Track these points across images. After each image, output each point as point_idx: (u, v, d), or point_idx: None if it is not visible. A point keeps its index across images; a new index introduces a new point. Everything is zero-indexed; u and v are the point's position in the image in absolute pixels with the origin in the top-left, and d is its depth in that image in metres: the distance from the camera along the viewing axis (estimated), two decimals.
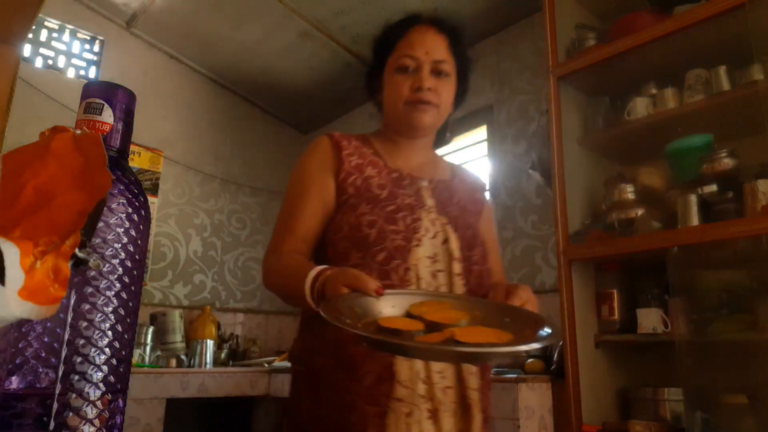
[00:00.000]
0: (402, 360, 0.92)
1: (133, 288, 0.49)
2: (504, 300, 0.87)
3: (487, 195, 1.20)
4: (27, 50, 3.02)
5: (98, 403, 0.44)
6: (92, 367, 0.45)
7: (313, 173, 1.08)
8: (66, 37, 3.21)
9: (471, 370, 0.96)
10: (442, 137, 1.21)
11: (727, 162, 1.73)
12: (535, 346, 0.67)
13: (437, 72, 1.07)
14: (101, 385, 0.45)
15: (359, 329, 0.68)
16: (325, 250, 1.03)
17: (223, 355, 3.19)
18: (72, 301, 0.44)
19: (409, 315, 0.78)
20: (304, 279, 0.85)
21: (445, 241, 1.01)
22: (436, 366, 0.94)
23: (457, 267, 0.99)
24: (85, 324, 0.45)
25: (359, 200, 1.02)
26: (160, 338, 3.09)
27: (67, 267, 0.40)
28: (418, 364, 0.92)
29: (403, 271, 0.95)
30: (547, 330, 0.71)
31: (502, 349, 0.67)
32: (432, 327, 0.74)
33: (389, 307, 0.78)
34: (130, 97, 0.55)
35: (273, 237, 1.06)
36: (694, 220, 1.70)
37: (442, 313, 0.77)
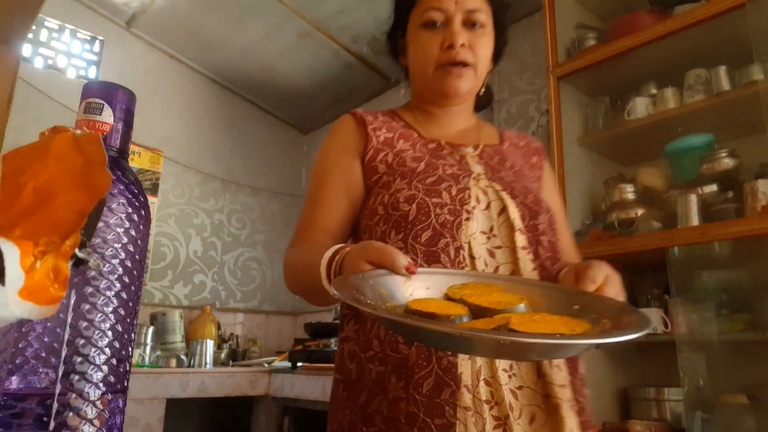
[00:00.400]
0: (464, 358, 0.75)
1: (133, 288, 0.49)
2: (574, 284, 0.70)
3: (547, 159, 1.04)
4: (27, 50, 3.02)
5: (98, 403, 0.44)
6: (92, 367, 0.45)
7: (335, 157, 0.95)
8: (66, 37, 3.21)
9: (555, 362, 0.78)
10: (484, 99, 1.03)
11: (727, 162, 1.73)
12: (628, 336, 0.50)
13: (471, 23, 0.90)
14: (101, 385, 0.45)
15: (382, 311, 0.53)
16: (362, 239, 0.88)
17: (223, 355, 3.19)
18: (72, 301, 0.44)
19: (447, 298, 0.64)
20: (320, 262, 0.72)
21: (502, 210, 0.83)
22: (503, 361, 0.75)
23: (520, 239, 0.82)
24: (85, 324, 0.45)
25: (392, 177, 0.87)
26: (160, 338, 3.09)
27: (67, 267, 0.40)
28: (479, 360, 0.76)
29: (453, 251, 0.79)
30: (636, 318, 0.55)
31: (582, 341, 0.52)
32: (478, 313, 0.59)
33: (423, 289, 0.64)
34: (130, 97, 0.55)
35: (294, 232, 0.94)
36: (694, 220, 1.70)
37: (490, 297, 0.62)
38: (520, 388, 0.76)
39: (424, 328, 0.50)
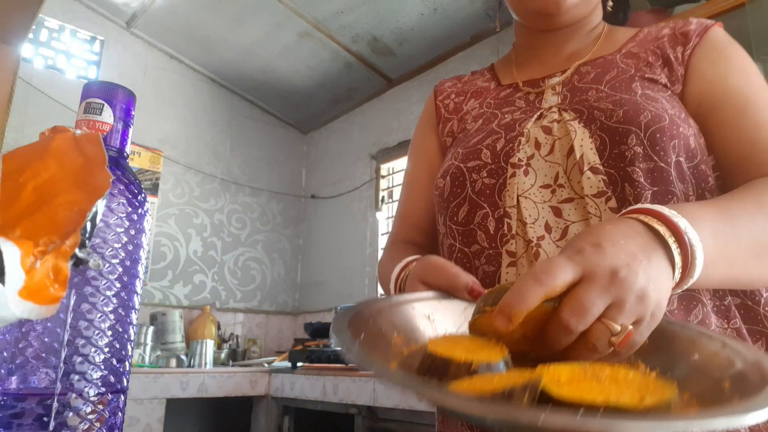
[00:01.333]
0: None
1: (133, 288, 0.49)
2: None
3: (715, 33, 0.71)
4: (27, 50, 3.02)
5: (98, 403, 0.44)
6: (92, 366, 0.45)
7: (418, 141, 0.84)
8: (66, 37, 3.21)
9: None
10: (614, 13, 0.82)
11: None
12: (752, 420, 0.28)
13: None
14: (101, 385, 0.45)
15: (384, 370, 0.34)
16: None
17: (223, 355, 3.19)
18: (72, 301, 0.44)
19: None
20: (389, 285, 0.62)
21: (572, 149, 0.62)
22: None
23: (590, 183, 0.59)
24: (85, 324, 0.45)
25: (451, 149, 0.75)
26: (160, 338, 3.09)
27: (67, 267, 0.40)
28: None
29: (494, 223, 0.63)
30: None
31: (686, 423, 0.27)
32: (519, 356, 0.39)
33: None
34: (130, 97, 0.55)
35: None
36: None
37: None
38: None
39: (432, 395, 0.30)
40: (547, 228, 0.60)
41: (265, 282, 3.83)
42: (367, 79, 3.50)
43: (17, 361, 0.43)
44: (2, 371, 0.42)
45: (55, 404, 0.42)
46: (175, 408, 2.67)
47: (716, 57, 0.67)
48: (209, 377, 2.76)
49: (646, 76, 0.67)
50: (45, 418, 0.42)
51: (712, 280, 0.47)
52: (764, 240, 0.51)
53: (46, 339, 0.44)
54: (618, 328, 0.37)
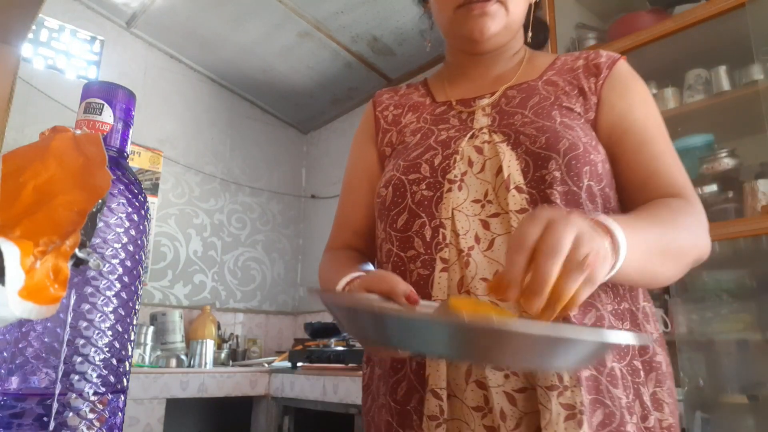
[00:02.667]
0: (433, 359, 0.65)
1: (133, 288, 0.49)
2: None
3: (621, 66, 0.79)
4: (27, 50, 3.02)
5: (98, 403, 0.44)
6: (92, 366, 0.45)
7: (357, 150, 0.88)
8: (66, 37, 3.21)
9: None
10: (535, 38, 0.87)
11: (727, 162, 1.73)
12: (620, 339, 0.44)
13: None
14: (101, 385, 0.45)
15: (334, 295, 0.49)
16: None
17: (223, 355, 3.19)
18: (72, 301, 0.44)
19: None
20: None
21: (500, 169, 0.68)
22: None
23: (515, 200, 0.66)
24: (85, 324, 0.45)
25: (391, 159, 0.80)
26: (160, 338, 3.09)
27: (67, 267, 0.40)
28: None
29: (430, 232, 0.69)
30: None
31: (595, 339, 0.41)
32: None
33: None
34: (130, 97, 0.55)
35: (330, 232, 0.90)
36: None
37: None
38: (521, 391, 0.62)
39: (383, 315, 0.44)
40: (477, 239, 0.67)
41: (265, 282, 3.83)
42: (367, 79, 3.50)
43: (17, 361, 0.43)
44: (2, 371, 0.42)
45: (55, 404, 0.42)
46: (175, 408, 2.67)
47: (623, 90, 0.77)
48: (209, 377, 2.76)
49: (564, 104, 0.75)
50: (45, 418, 0.42)
51: (628, 269, 0.55)
52: (670, 247, 0.63)
53: (46, 339, 0.44)
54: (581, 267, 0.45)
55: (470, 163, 0.71)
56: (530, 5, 0.83)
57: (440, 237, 0.68)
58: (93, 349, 0.45)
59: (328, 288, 0.72)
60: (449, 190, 0.70)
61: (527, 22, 0.85)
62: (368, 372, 0.79)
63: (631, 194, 0.73)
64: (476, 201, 0.69)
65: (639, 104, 0.76)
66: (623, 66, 0.79)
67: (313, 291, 0.51)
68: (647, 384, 0.66)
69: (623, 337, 0.44)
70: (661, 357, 0.70)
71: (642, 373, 0.66)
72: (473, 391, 0.63)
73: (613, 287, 0.68)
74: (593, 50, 0.82)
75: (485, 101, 0.78)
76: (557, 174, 0.66)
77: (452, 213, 0.69)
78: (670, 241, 0.63)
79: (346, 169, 0.91)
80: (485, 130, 0.73)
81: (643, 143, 0.73)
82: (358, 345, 2.60)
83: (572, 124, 0.71)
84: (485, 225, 0.68)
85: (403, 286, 0.56)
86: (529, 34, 0.86)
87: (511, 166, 0.68)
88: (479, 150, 0.71)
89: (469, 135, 0.73)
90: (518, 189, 0.67)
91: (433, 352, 0.56)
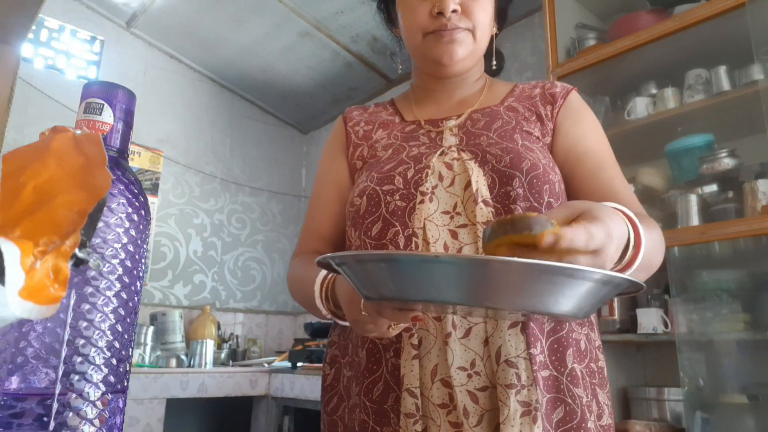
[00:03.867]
0: (407, 358, 0.69)
1: (133, 288, 0.49)
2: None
3: (574, 97, 0.87)
4: (27, 50, 3.02)
5: (98, 403, 0.44)
6: (92, 367, 0.45)
7: (327, 162, 0.93)
8: (66, 37, 3.21)
9: (518, 351, 0.66)
10: (491, 66, 0.93)
11: (727, 162, 1.73)
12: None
13: None
14: (101, 385, 0.45)
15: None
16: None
17: (223, 355, 3.19)
18: (72, 301, 0.44)
19: None
20: (313, 286, 0.73)
21: (468, 183, 0.74)
22: (459, 358, 0.68)
23: (482, 213, 0.72)
24: (85, 324, 0.45)
25: (363, 172, 0.84)
26: (160, 338, 3.09)
27: (67, 267, 0.40)
28: (431, 359, 0.69)
29: (404, 240, 0.73)
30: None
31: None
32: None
33: None
34: (130, 97, 0.55)
35: (297, 241, 0.94)
36: (694, 220, 1.70)
37: None
38: (483, 389, 0.67)
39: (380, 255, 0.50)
40: (445, 248, 0.73)
41: (265, 282, 3.83)
42: (367, 79, 3.50)
43: (17, 361, 0.43)
44: (2, 371, 0.42)
45: (55, 404, 0.42)
46: (175, 408, 2.67)
47: (577, 118, 0.84)
48: (209, 377, 2.76)
49: (524, 128, 0.82)
50: (45, 418, 0.42)
51: (644, 259, 0.60)
52: (653, 261, 0.68)
53: (46, 339, 0.44)
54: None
55: (440, 178, 0.76)
56: (492, 36, 0.89)
57: (413, 245, 0.73)
58: (93, 349, 0.45)
59: (303, 288, 0.77)
60: (421, 201, 0.75)
61: (488, 51, 0.91)
62: (332, 373, 0.84)
63: None
64: (446, 212, 0.74)
65: (591, 132, 0.84)
66: (576, 96, 0.87)
67: (322, 258, 0.51)
68: (601, 386, 0.75)
69: (623, 277, 0.45)
70: (603, 363, 0.78)
71: (597, 375, 0.74)
72: (439, 389, 0.68)
73: None
74: (548, 81, 0.91)
75: (452, 122, 0.85)
76: (520, 191, 0.73)
77: (424, 223, 0.74)
78: (651, 257, 0.67)
79: (315, 180, 0.96)
80: (454, 149, 0.80)
81: (600, 168, 0.80)
82: None
83: (532, 146, 0.79)
84: (453, 234, 0.73)
85: None
86: (493, 62, 0.93)
87: (479, 181, 0.74)
88: (449, 166, 0.77)
89: (439, 152, 0.79)
90: (485, 203, 0.73)
91: (447, 295, 0.54)
